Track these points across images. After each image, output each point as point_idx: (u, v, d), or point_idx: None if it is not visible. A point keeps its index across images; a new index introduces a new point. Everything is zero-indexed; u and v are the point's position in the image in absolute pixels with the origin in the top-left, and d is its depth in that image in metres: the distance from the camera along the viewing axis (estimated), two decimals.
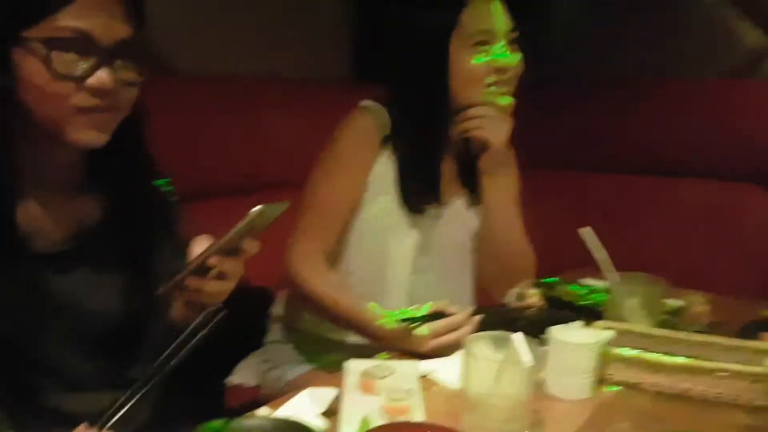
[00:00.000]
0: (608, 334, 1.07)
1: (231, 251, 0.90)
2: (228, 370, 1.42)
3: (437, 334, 1.14)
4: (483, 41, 1.28)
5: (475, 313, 1.17)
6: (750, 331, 1.25)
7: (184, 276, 0.90)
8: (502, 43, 1.29)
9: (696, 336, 1.11)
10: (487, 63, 1.28)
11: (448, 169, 1.39)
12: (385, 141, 1.33)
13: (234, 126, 1.78)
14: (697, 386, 1.01)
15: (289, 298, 1.46)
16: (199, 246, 0.91)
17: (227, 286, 0.92)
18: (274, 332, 1.45)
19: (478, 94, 1.30)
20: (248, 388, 1.40)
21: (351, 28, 2.35)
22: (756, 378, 0.97)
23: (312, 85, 2.09)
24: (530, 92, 2.33)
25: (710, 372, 1.01)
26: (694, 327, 1.27)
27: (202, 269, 0.90)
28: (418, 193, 1.34)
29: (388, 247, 1.36)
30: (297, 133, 1.87)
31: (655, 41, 2.27)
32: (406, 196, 1.34)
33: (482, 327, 1.13)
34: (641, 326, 1.18)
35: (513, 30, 1.30)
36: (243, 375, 1.42)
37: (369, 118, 1.33)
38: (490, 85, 1.29)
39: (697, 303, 1.28)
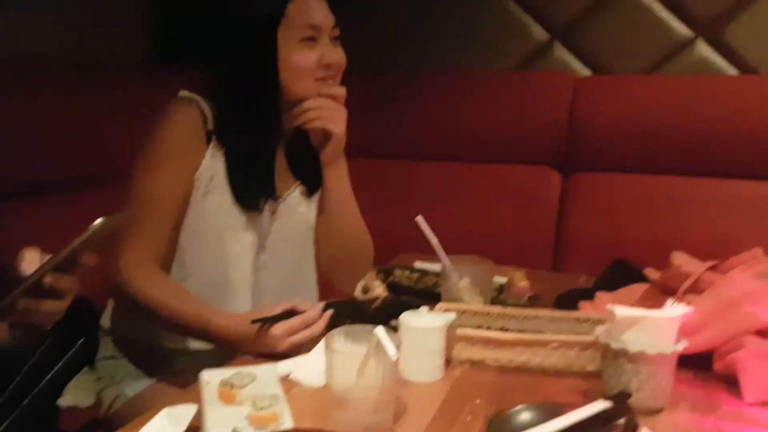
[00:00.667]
0: (452, 316, 1.14)
1: (67, 266, 0.84)
2: (58, 391, 1.31)
3: (291, 332, 1.14)
4: (310, 36, 1.28)
5: (325, 308, 1.18)
6: (565, 301, 1.40)
7: (15, 296, 0.82)
8: (328, 43, 1.30)
9: (526, 311, 1.22)
10: (316, 59, 1.28)
11: (281, 162, 1.38)
12: (210, 134, 1.28)
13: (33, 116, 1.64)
14: (534, 358, 1.11)
15: (116, 308, 1.37)
16: (29, 261, 0.84)
17: (62, 305, 0.86)
18: (105, 346, 1.36)
19: (309, 87, 1.30)
20: (84, 409, 1.30)
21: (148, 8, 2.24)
22: (583, 346, 1.09)
23: (111, 70, 1.97)
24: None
25: (543, 344, 1.11)
26: (519, 302, 1.39)
27: (34, 287, 0.83)
28: (252, 189, 1.32)
29: (226, 246, 1.32)
30: (94, 120, 1.77)
31: (455, 34, 2.43)
32: (238, 192, 1.31)
33: (333, 321, 1.15)
34: (476, 305, 1.27)
35: (336, 26, 1.32)
36: (75, 396, 1.31)
37: (190, 110, 1.28)
38: (319, 79, 1.30)
39: (519, 278, 1.40)
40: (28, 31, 1.83)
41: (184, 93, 1.30)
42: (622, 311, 0.99)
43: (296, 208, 1.42)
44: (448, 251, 1.33)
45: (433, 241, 1.34)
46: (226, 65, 1.31)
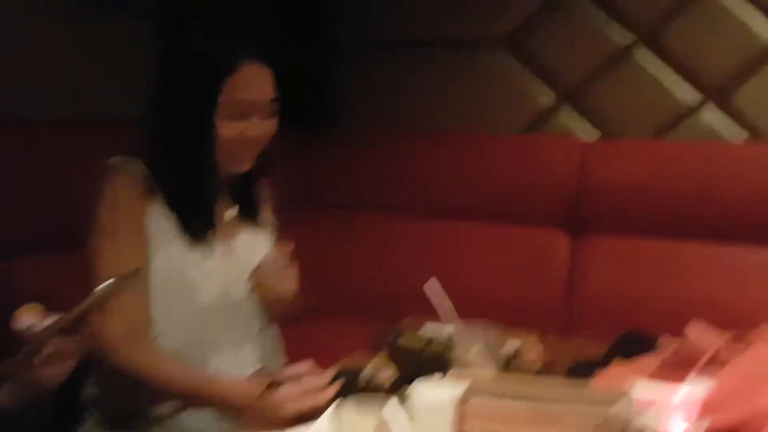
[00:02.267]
0: (464, 386, 1.10)
1: (72, 329, 0.81)
2: None
3: (297, 399, 1.10)
4: (241, 113, 1.26)
5: (335, 377, 1.14)
6: (578, 370, 1.36)
7: (22, 358, 0.79)
8: (257, 118, 1.28)
9: (540, 381, 1.18)
10: (237, 133, 1.27)
11: (224, 203, 1.38)
12: (150, 192, 1.28)
13: None
14: (550, 430, 1.07)
15: (104, 377, 1.32)
16: (27, 318, 0.81)
17: (67, 368, 0.84)
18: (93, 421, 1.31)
19: (227, 158, 1.29)
20: None
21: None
22: (601, 422, 1.05)
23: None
24: (345, 140, 2.45)
25: (559, 418, 1.07)
26: (531, 369, 1.35)
27: (39, 349, 0.80)
28: (196, 220, 1.30)
29: (193, 298, 1.29)
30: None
31: (462, 96, 2.46)
32: (185, 228, 1.29)
33: (342, 391, 1.11)
34: (489, 374, 1.23)
35: (274, 100, 1.31)
36: None
37: (130, 173, 1.27)
38: (239, 151, 1.30)
39: (531, 345, 1.36)
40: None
41: (116, 160, 1.29)
42: (642, 388, 0.96)
43: (250, 243, 1.40)
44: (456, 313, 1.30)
45: (444, 306, 1.31)
46: (163, 128, 1.30)
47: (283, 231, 2.35)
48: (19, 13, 1.86)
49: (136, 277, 1.07)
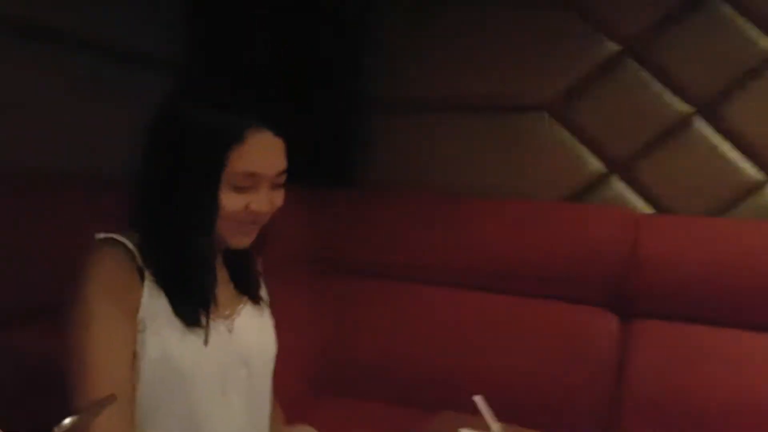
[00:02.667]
0: None
1: None
2: None
3: None
4: (246, 186, 1.13)
5: None
6: None
7: None
8: (265, 190, 1.16)
9: None
10: (242, 206, 1.14)
11: (223, 277, 1.25)
12: (142, 270, 1.13)
13: None
14: None
15: None
16: None
17: None
18: None
19: (228, 231, 1.16)
20: None
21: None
22: None
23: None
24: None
25: None
26: None
27: None
28: (190, 303, 1.15)
29: (188, 387, 1.12)
30: None
31: (503, 163, 2.28)
32: (178, 311, 1.13)
33: None
34: None
35: (283, 172, 1.18)
36: None
37: (116, 252, 1.12)
38: (241, 223, 1.16)
39: None
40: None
41: (100, 235, 1.14)
42: None
43: (250, 321, 1.26)
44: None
45: (494, 427, 1.10)
46: (159, 199, 1.15)
47: (293, 296, 2.16)
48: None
49: (112, 402, 0.90)
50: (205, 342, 1.13)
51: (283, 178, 1.18)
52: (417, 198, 2.26)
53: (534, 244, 2.06)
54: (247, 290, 1.28)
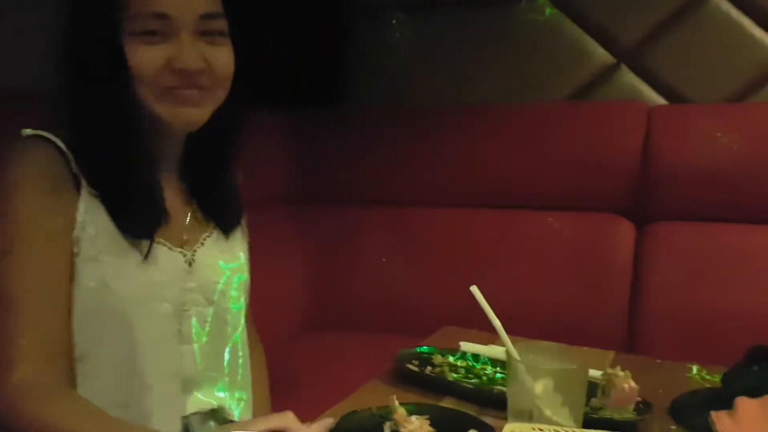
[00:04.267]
0: None
1: None
2: None
3: None
4: (156, 31, 0.89)
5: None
6: (685, 409, 0.97)
7: None
8: (188, 40, 0.91)
9: None
10: (160, 61, 0.90)
11: (175, 193, 1.01)
12: (78, 177, 0.91)
13: None
14: None
15: None
16: None
17: None
18: None
19: (154, 97, 0.91)
20: None
21: None
22: None
23: None
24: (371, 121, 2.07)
25: None
26: (624, 413, 0.96)
27: None
28: (145, 231, 0.94)
29: (134, 324, 0.92)
30: None
31: (502, 64, 2.06)
32: (131, 238, 0.92)
33: None
34: (564, 425, 0.84)
35: (212, 16, 0.93)
36: None
37: (45, 152, 0.90)
38: (166, 87, 0.91)
39: (622, 378, 0.97)
40: None
41: (27, 131, 0.92)
42: None
43: (217, 255, 1.03)
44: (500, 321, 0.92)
45: (496, 323, 0.93)
46: (73, 83, 0.93)
47: (287, 229, 1.99)
48: None
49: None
50: (145, 257, 0.92)
51: (215, 25, 0.93)
52: (412, 112, 2.06)
53: (541, 151, 1.88)
54: (217, 216, 1.05)
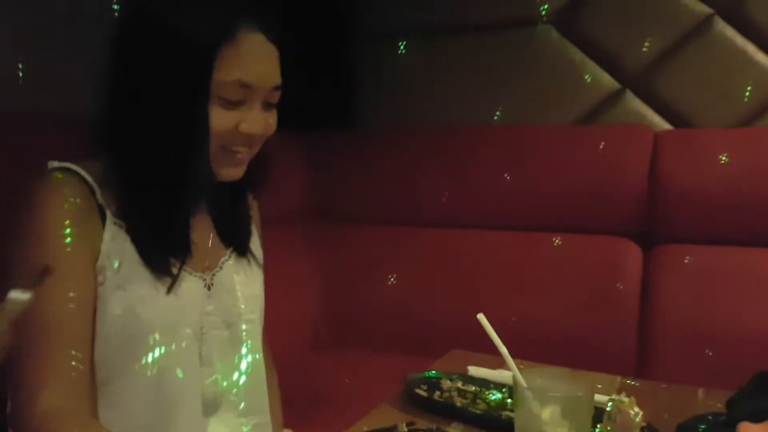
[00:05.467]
0: None
1: None
2: None
3: None
4: (237, 101, 0.94)
5: None
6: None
7: None
8: (258, 108, 0.96)
9: None
10: (233, 125, 0.95)
11: (204, 224, 1.06)
12: (103, 209, 0.95)
13: None
14: None
15: None
16: None
17: None
18: None
19: (215, 154, 0.96)
20: None
21: None
22: None
23: None
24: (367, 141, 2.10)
25: None
26: None
27: None
28: (162, 250, 0.97)
29: (158, 348, 0.95)
30: None
31: (506, 88, 2.09)
32: (153, 267, 0.96)
33: None
34: None
35: (278, 88, 0.98)
36: None
37: (70, 184, 0.94)
38: (227, 146, 0.96)
39: (628, 404, 0.98)
40: None
41: (54, 163, 0.96)
42: None
43: (234, 278, 1.07)
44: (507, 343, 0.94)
45: (503, 350, 0.95)
46: (131, 121, 0.95)
47: (299, 247, 2.01)
48: None
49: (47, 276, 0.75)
50: (168, 290, 0.95)
51: (277, 96, 0.99)
52: (419, 132, 2.10)
53: (548, 173, 1.90)
54: (233, 240, 1.09)
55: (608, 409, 0.99)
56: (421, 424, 1.01)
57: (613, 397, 1.00)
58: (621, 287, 1.77)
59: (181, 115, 0.92)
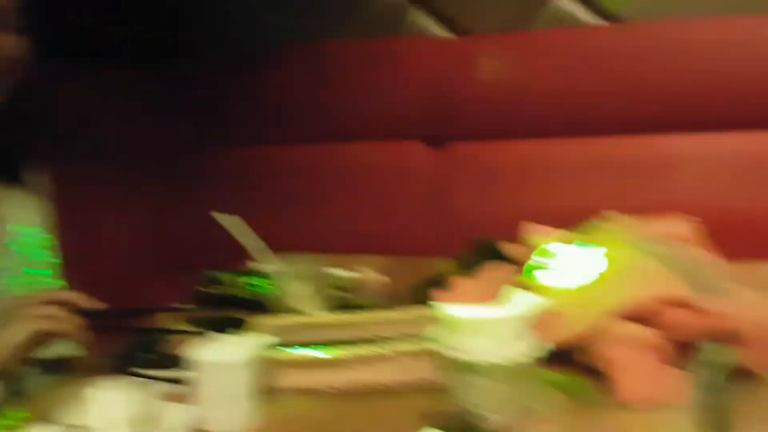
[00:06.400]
0: (267, 339, 0.91)
1: None
2: None
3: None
4: None
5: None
6: (420, 293, 1.19)
7: None
8: None
9: (363, 316, 0.99)
10: None
11: None
12: None
13: None
14: (377, 376, 0.90)
15: None
16: None
17: None
18: None
19: None
20: None
21: None
22: (422, 354, 0.88)
23: None
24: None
25: (385, 358, 0.90)
26: (372, 301, 1.17)
27: None
28: None
29: None
30: None
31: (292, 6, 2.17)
32: None
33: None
34: (308, 316, 1.05)
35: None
36: None
37: None
38: None
39: (373, 274, 1.18)
40: None
41: None
42: (461, 311, 0.79)
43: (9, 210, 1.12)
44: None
45: (250, 241, 1.11)
46: None
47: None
48: None
49: None
50: None
51: (10, 16, 0.96)
52: (219, 59, 2.16)
53: (341, 88, 2.04)
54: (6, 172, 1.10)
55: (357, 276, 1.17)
56: None
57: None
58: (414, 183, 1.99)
59: None
